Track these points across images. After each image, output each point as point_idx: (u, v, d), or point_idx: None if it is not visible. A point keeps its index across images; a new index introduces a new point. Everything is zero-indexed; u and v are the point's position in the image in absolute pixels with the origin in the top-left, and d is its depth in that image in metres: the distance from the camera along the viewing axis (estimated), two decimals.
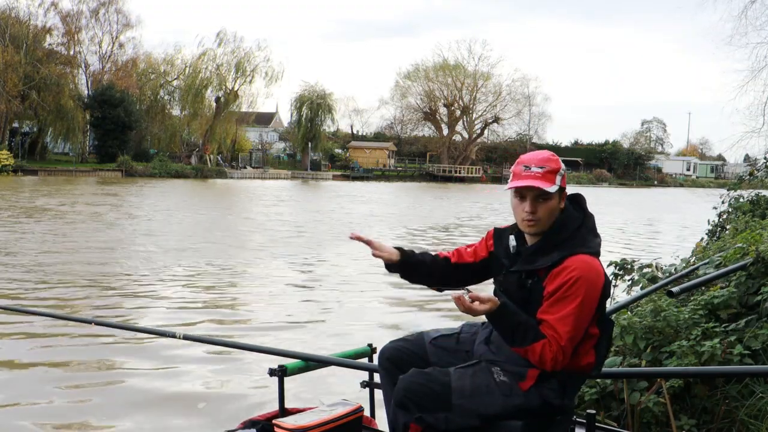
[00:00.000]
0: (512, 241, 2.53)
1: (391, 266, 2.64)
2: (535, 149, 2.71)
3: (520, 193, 2.42)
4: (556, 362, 2.31)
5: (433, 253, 2.73)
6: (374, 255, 2.63)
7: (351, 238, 2.65)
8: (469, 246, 2.72)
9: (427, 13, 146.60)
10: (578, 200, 2.53)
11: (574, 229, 2.43)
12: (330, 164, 65.49)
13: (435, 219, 24.14)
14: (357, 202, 31.57)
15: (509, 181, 2.46)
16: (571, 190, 2.51)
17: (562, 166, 2.45)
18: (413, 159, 71.94)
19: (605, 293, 2.39)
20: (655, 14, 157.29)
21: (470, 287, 2.37)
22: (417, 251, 2.72)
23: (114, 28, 56.97)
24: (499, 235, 2.62)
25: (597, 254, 2.41)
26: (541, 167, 2.39)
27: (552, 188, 2.38)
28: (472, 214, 27.21)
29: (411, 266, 2.64)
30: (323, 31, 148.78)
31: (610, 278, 5.00)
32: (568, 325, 2.29)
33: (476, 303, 2.27)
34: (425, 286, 2.77)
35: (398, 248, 2.66)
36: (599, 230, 2.51)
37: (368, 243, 2.61)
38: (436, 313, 8.67)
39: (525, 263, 2.44)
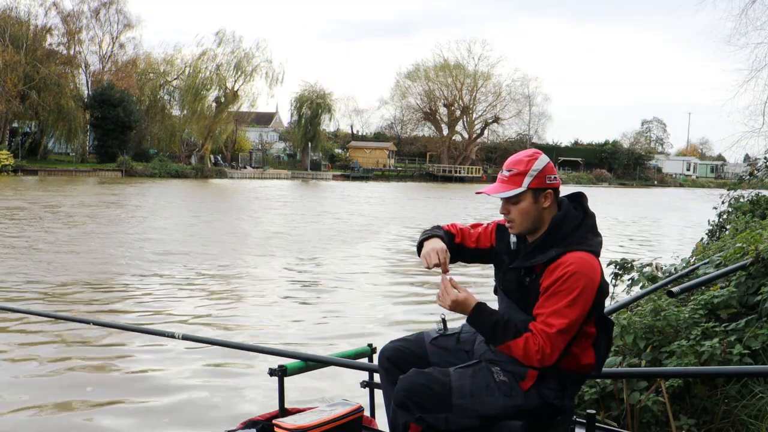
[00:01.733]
0: (513, 237, 2.54)
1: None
2: (534, 149, 2.70)
3: None
4: (543, 355, 2.29)
5: (444, 228, 2.68)
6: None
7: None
8: (473, 227, 2.70)
9: (426, 13, 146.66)
10: (579, 199, 2.52)
11: (573, 227, 2.43)
12: (330, 164, 65.47)
13: (437, 219, 24.13)
14: (358, 203, 31.55)
15: None
16: (571, 189, 2.50)
17: (538, 165, 2.41)
18: (413, 159, 71.91)
19: (602, 291, 2.38)
20: (655, 14, 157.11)
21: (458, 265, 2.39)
22: (432, 228, 2.67)
23: (114, 29, 57.10)
24: (502, 231, 2.62)
25: (596, 253, 2.41)
26: (509, 170, 2.43)
27: (510, 192, 2.40)
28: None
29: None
30: (323, 31, 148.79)
31: (610, 277, 5.01)
32: (560, 317, 2.29)
33: (455, 290, 2.37)
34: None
35: (441, 239, 2.58)
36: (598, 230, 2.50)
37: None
38: (436, 313, 8.67)
39: (524, 260, 2.45)
